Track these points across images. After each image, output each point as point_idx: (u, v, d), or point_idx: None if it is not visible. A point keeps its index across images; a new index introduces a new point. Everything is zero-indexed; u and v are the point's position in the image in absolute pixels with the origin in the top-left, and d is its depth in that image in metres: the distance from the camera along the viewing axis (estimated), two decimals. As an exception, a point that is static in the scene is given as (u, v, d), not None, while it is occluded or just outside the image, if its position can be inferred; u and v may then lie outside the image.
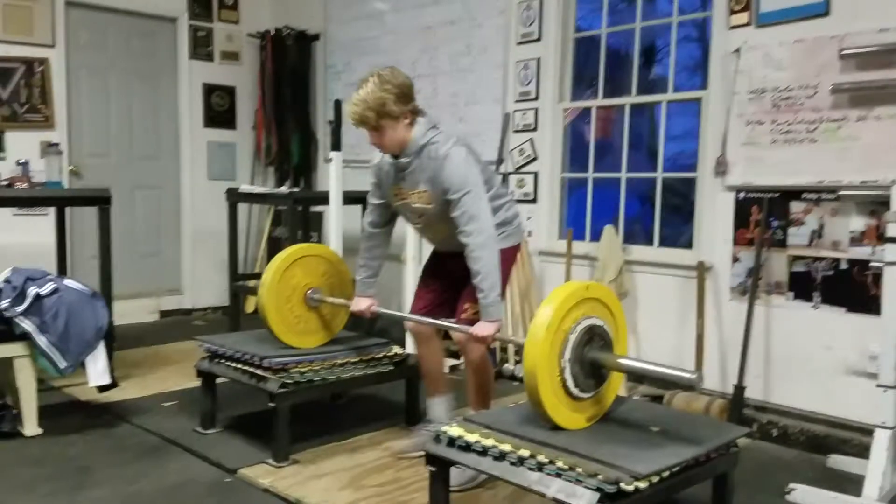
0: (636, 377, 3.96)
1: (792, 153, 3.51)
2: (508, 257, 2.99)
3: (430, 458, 2.35)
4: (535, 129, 4.65)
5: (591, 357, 2.26)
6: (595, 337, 2.28)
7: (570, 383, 2.22)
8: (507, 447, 2.18)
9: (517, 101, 4.74)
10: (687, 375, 2.15)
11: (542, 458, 2.10)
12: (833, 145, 3.38)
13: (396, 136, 2.78)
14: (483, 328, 2.70)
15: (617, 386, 2.45)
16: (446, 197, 2.75)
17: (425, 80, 5.12)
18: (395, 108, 2.73)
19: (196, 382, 3.50)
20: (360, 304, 3.14)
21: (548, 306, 2.19)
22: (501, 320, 2.79)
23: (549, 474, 2.07)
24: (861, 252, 3.32)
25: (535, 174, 4.65)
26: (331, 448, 3.24)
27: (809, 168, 3.45)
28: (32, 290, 3.30)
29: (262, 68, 6.34)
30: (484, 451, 2.21)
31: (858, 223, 3.33)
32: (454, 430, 2.31)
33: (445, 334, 3.22)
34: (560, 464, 2.06)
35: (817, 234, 3.46)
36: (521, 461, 2.13)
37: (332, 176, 4.17)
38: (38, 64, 5.34)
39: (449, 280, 3.07)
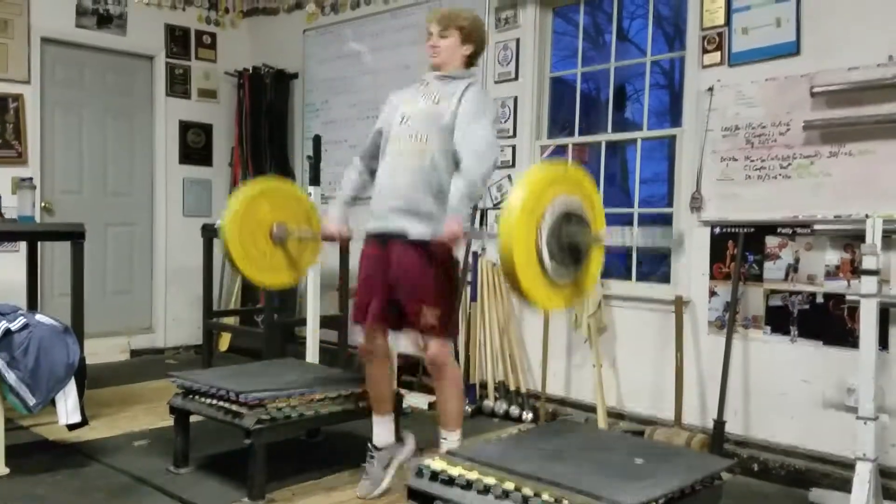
0: (616, 414, 3.96)
1: (766, 189, 3.57)
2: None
3: (413, 493, 2.30)
4: (512, 166, 4.68)
5: (568, 232, 2.26)
6: (572, 217, 2.29)
7: (547, 259, 2.22)
8: (491, 480, 2.15)
9: (496, 138, 4.77)
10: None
11: (527, 490, 2.07)
12: (806, 181, 3.44)
13: (453, 53, 2.98)
14: (450, 224, 2.65)
15: (596, 270, 2.45)
16: (459, 111, 2.85)
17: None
18: (469, 31, 2.98)
19: (167, 422, 3.43)
20: (330, 227, 3.07)
21: (523, 186, 2.24)
22: (463, 214, 2.72)
23: (534, 507, 2.04)
24: (836, 286, 3.36)
25: (513, 210, 4.67)
26: (308, 486, 3.17)
27: (784, 203, 3.51)
28: (2, 325, 3.20)
29: (239, 106, 6.34)
30: (468, 485, 2.17)
31: (833, 257, 3.38)
32: (437, 464, 2.27)
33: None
34: (545, 496, 2.03)
35: (793, 268, 3.50)
36: (506, 494, 2.10)
37: (311, 211, 4.15)
38: (11, 100, 5.30)
39: (386, 287, 2.94)
